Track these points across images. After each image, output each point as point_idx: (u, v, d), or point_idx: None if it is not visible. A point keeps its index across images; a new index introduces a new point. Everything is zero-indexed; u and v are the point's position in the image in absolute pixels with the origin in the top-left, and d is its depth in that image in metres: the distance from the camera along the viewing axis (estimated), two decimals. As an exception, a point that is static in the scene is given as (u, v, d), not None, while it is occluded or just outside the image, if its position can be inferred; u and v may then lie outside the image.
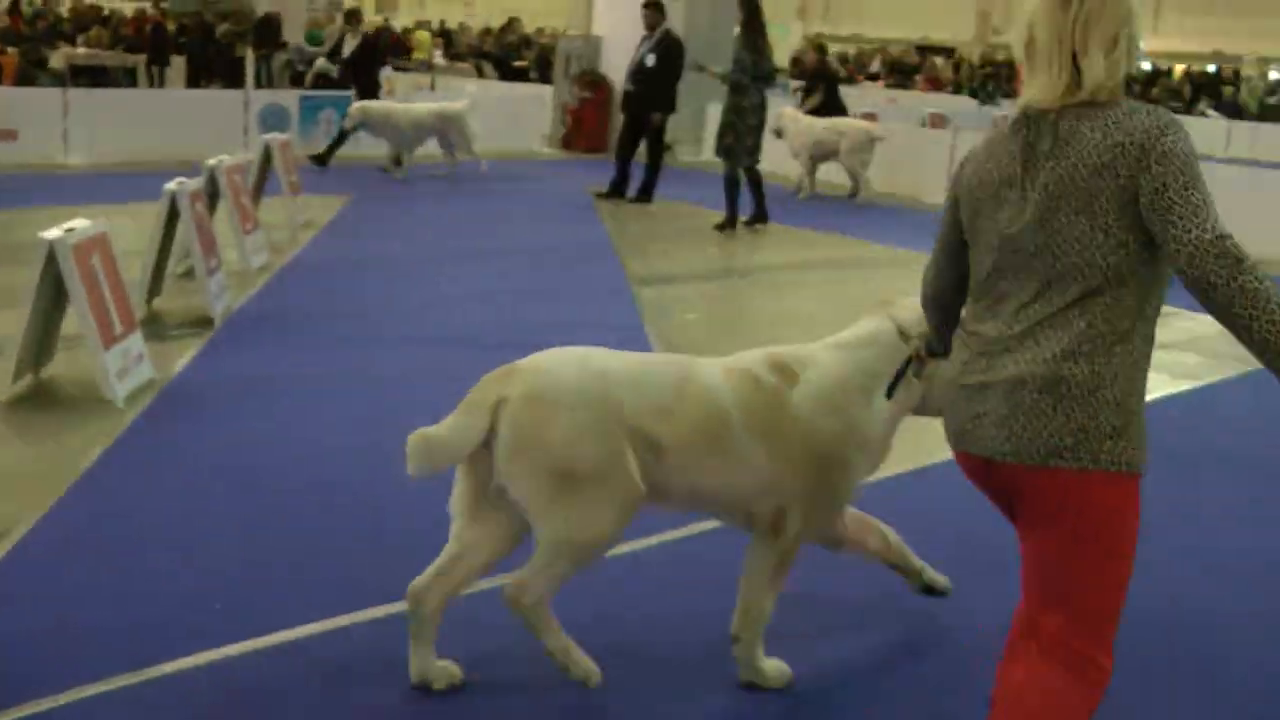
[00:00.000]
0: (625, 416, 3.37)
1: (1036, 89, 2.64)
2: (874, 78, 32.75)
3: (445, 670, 3.50)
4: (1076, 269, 2.56)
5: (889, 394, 3.50)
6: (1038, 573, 2.73)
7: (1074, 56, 2.58)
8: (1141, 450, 2.59)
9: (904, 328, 3.56)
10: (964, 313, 2.90)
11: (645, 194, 13.29)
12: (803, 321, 8.59)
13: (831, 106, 15.53)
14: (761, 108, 11.88)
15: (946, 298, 3.01)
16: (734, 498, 3.58)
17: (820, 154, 14.38)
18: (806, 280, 10.14)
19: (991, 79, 28.51)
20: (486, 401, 3.34)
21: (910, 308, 3.54)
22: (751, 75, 11.59)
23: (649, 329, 7.82)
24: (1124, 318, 2.55)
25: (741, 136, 11.71)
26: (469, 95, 16.82)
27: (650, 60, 12.97)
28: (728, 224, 11.93)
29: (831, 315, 8.24)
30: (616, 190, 13.39)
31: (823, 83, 16.12)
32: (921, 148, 15.89)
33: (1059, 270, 2.58)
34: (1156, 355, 2.66)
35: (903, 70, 33.19)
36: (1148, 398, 2.63)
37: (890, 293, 3.94)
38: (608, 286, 9.10)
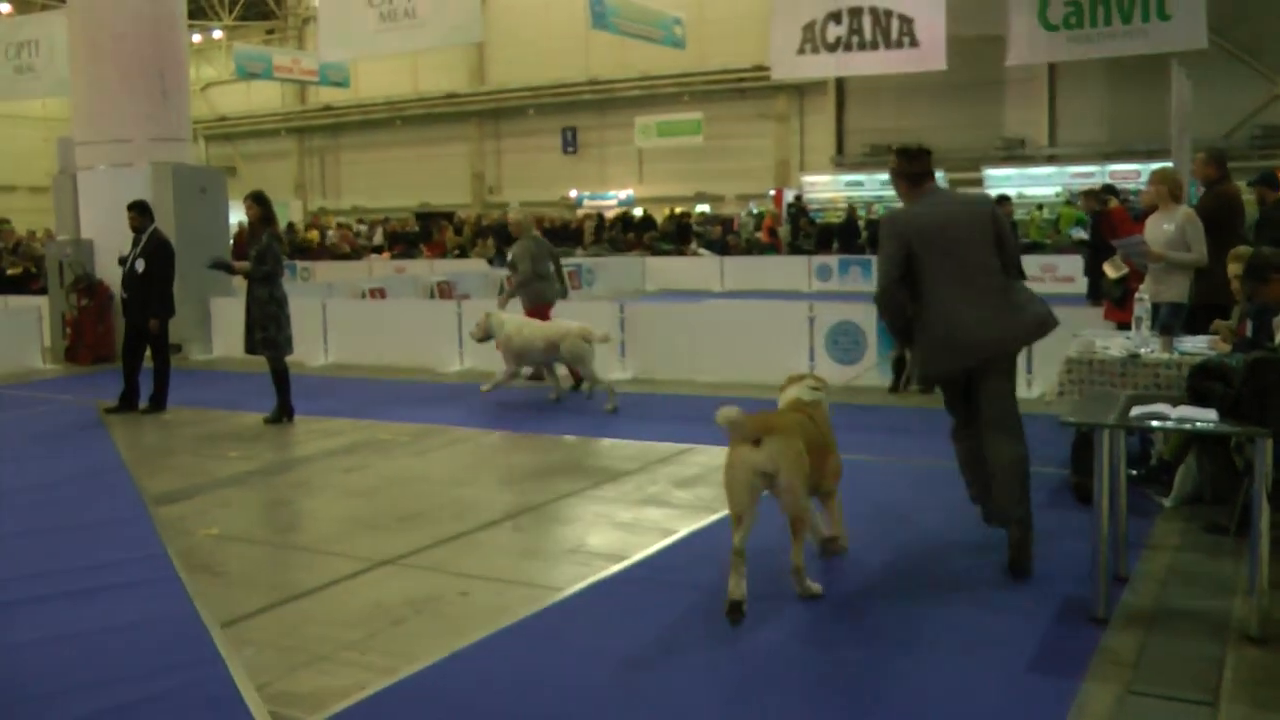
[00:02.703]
0: None
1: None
2: (379, 249, 33.11)
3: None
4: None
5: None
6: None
7: None
8: None
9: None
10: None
11: (157, 403, 12.77)
12: (334, 515, 8.53)
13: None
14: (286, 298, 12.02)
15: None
16: None
17: None
18: (332, 468, 10.03)
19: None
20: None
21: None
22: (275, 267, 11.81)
23: (171, 550, 7.46)
24: None
25: (283, 326, 11.80)
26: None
27: (140, 265, 12.55)
28: (284, 415, 11.93)
29: (364, 506, 8.32)
30: (127, 402, 12.80)
31: None
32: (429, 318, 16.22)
33: None
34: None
35: (408, 240, 33.74)
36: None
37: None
38: (120, 513, 8.54)
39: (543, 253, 13.81)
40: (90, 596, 6.62)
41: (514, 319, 12.89)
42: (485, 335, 12.93)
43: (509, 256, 14.10)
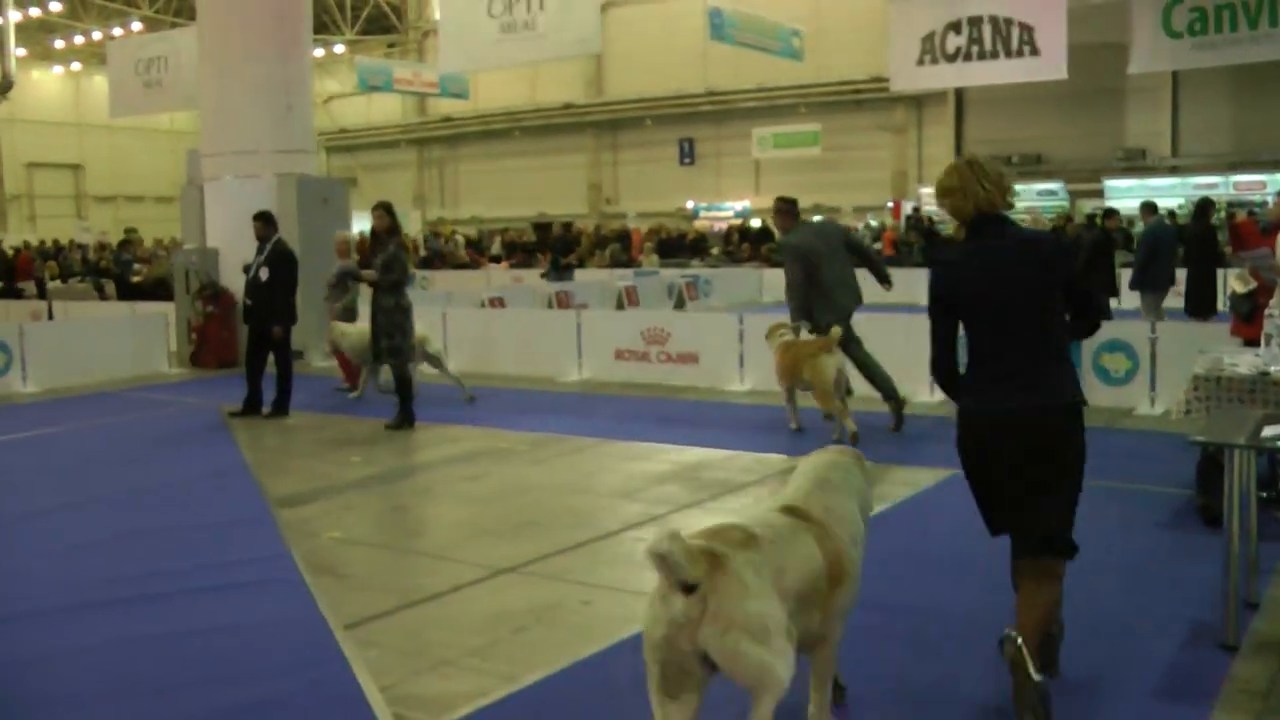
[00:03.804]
0: None
1: None
2: (496, 259, 33.35)
3: None
4: None
5: None
6: None
7: None
8: None
9: None
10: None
11: (280, 407, 13.05)
12: (455, 522, 8.64)
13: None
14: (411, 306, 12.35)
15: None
16: None
17: None
18: (453, 476, 10.15)
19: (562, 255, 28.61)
20: None
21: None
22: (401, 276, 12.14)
23: (295, 552, 7.60)
24: None
25: (408, 334, 12.11)
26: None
27: (264, 274, 12.83)
28: (405, 422, 12.13)
29: (485, 513, 8.42)
30: (250, 407, 13.09)
31: None
32: (548, 327, 16.36)
33: None
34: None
35: (525, 249, 33.92)
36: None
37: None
38: (245, 514, 8.74)
39: None
40: (217, 594, 6.81)
41: (355, 327, 14.11)
42: (334, 348, 14.46)
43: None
